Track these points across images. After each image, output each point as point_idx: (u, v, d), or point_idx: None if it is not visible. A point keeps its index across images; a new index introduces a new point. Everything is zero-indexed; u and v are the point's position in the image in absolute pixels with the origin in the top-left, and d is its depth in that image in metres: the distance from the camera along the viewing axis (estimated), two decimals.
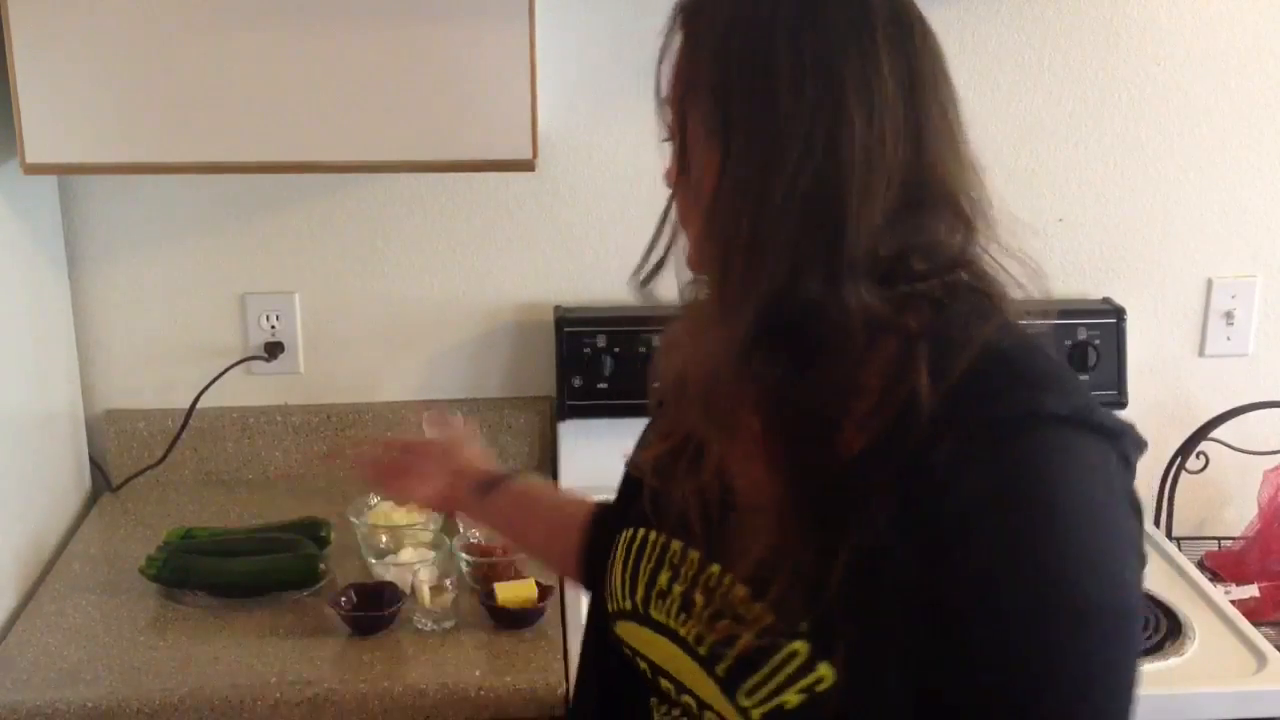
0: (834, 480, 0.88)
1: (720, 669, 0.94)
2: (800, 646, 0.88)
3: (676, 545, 1.01)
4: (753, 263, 0.89)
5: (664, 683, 1.02)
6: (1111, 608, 0.84)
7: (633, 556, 1.04)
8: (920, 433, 0.85)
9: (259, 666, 1.52)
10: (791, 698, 0.89)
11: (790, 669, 0.89)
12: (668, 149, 0.98)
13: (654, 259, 1.00)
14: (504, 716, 1.50)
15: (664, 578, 1.00)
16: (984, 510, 0.83)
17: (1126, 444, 0.88)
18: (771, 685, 0.90)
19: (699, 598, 0.97)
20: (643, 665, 1.05)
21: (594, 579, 1.24)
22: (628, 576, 1.04)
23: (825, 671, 0.87)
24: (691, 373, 0.97)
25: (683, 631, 0.98)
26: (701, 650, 0.96)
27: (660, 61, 0.96)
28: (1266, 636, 1.64)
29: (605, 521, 1.25)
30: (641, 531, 1.04)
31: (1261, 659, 1.59)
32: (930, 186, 0.91)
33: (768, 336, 0.90)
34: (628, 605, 1.03)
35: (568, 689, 1.49)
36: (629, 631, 1.05)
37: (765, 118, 0.89)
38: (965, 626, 0.84)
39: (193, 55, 1.56)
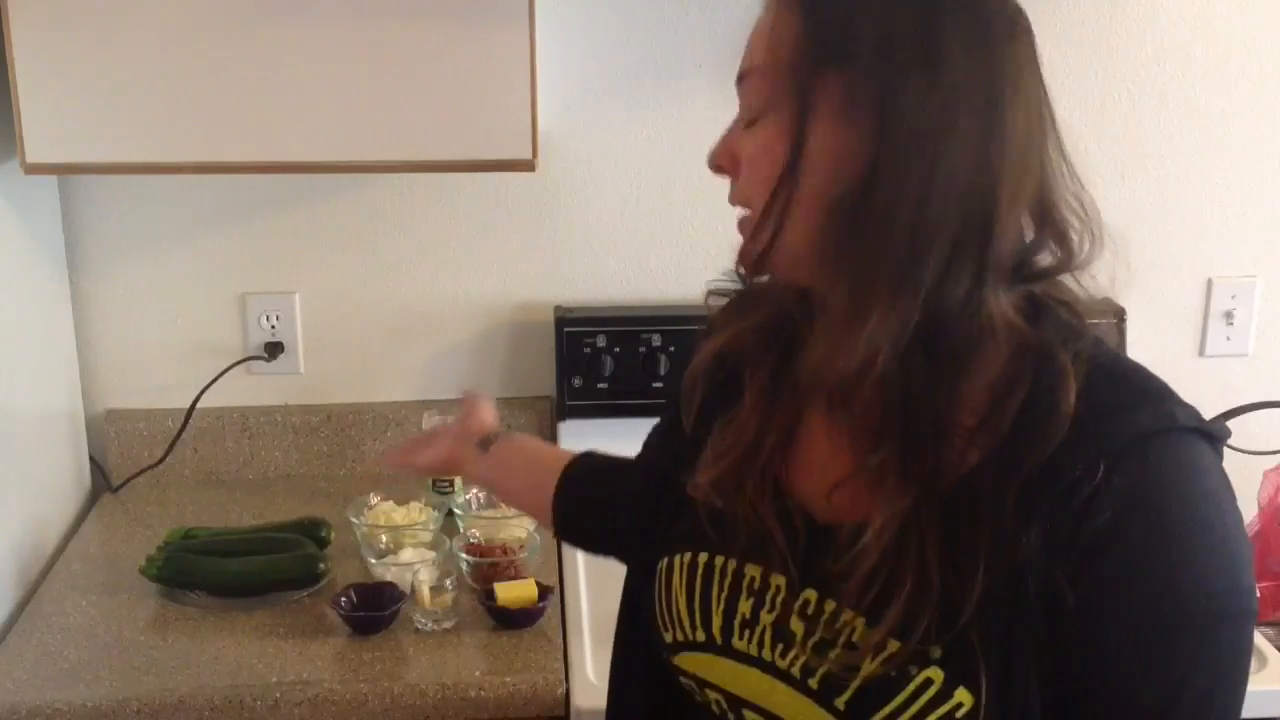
0: (960, 496, 0.86)
1: (841, 701, 0.89)
2: (935, 674, 0.85)
3: (754, 571, 0.95)
4: (912, 257, 0.84)
5: (750, 715, 0.96)
6: (1243, 611, 0.86)
7: (699, 584, 0.98)
8: (1052, 448, 0.84)
9: (259, 666, 1.52)
10: None
11: (926, 697, 0.85)
12: (708, 138, 0.92)
13: (758, 247, 0.90)
14: (504, 716, 1.50)
15: (746, 606, 0.95)
16: (1131, 522, 0.83)
17: (1223, 448, 0.90)
18: (907, 715, 0.86)
19: (797, 626, 0.92)
20: (714, 696, 0.98)
21: (568, 528, 1.30)
22: (696, 606, 0.97)
23: (964, 697, 0.85)
24: (825, 375, 0.89)
25: (782, 664, 0.92)
26: (812, 683, 0.90)
27: (771, 33, 0.89)
28: (1266, 636, 1.64)
29: (585, 467, 1.29)
30: (704, 556, 0.98)
31: (1261, 659, 1.59)
32: (1049, 190, 0.90)
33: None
34: (700, 636, 0.97)
35: (568, 689, 1.50)
36: (699, 663, 0.98)
37: (930, 98, 0.84)
38: (1108, 634, 0.84)
39: (192, 55, 1.56)
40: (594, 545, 1.34)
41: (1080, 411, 0.85)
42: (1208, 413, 2.11)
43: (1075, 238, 0.92)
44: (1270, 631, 1.68)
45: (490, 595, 1.60)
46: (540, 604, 1.60)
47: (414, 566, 1.64)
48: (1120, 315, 1.98)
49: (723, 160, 0.93)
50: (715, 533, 0.97)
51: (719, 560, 0.97)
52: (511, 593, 1.60)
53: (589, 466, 1.30)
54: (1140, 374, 0.91)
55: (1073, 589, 0.83)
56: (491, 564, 1.67)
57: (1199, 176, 2.02)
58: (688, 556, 0.99)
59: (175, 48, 1.56)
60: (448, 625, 1.59)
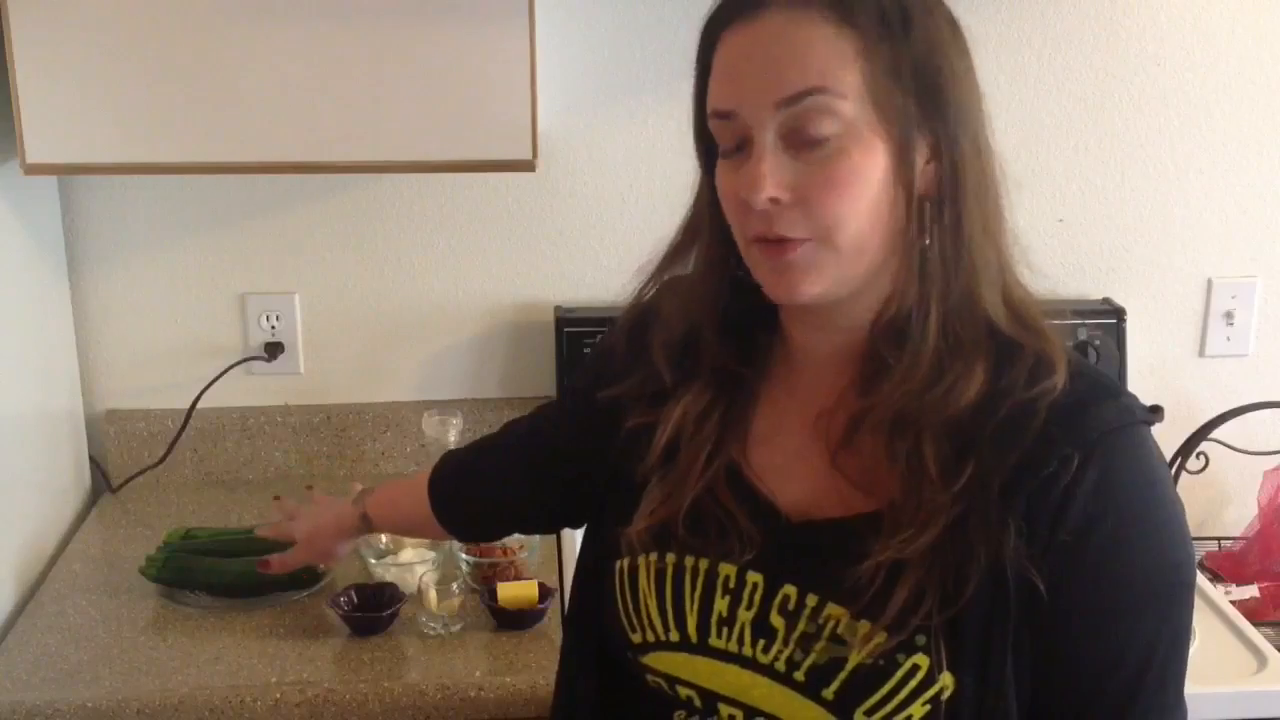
0: (957, 497, 0.89)
1: (829, 692, 0.91)
2: (921, 660, 0.88)
3: (728, 569, 0.97)
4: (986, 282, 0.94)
5: (726, 709, 0.98)
6: (1194, 577, 0.95)
7: (670, 585, 0.99)
8: (1027, 448, 0.89)
9: (259, 666, 1.52)
10: (917, 710, 0.89)
11: (914, 683, 0.89)
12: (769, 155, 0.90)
13: (856, 271, 0.93)
14: (504, 716, 1.50)
15: (723, 604, 0.96)
16: (1106, 510, 0.89)
17: None
18: (895, 702, 0.89)
19: (778, 622, 0.94)
20: (687, 693, 1.00)
21: (458, 529, 1.38)
22: (669, 607, 0.98)
23: (947, 681, 0.88)
24: (943, 407, 0.95)
25: (764, 659, 0.94)
26: (798, 676, 0.92)
27: (819, 51, 0.88)
28: (1266, 636, 1.64)
29: (449, 466, 1.33)
30: (671, 557, 0.99)
31: (1261, 659, 1.59)
32: None
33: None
34: (673, 636, 0.98)
35: None
36: (672, 662, 0.99)
37: (971, 109, 0.96)
38: (1089, 615, 0.90)
39: (193, 56, 1.56)
40: (489, 534, 1.47)
41: (1053, 413, 0.90)
42: (1207, 413, 2.11)
43: None
44: (1270, 631, 1.68)
45: (491, 595, 1.60)
46: (541, 605, 1.60)
47: (420, 571, 1.63)
48: (1120, 315, 1.99)
49: (781, 192, 0.89)
50: (689, 534, 0.98)
51: (689, 561, 0.99)
52: (512, 593, 1.60)
53: (453, 464, 1.35)
54: (1096, 372, 0.97)
55: (1052, 577, 0.88)
56: (492, 564, 1.67)
57: (1199, 176, 2.02)
58: (654, 558, 1.00)
59: (175, 48, 1.56)
60: (455, 629, 1.59)
